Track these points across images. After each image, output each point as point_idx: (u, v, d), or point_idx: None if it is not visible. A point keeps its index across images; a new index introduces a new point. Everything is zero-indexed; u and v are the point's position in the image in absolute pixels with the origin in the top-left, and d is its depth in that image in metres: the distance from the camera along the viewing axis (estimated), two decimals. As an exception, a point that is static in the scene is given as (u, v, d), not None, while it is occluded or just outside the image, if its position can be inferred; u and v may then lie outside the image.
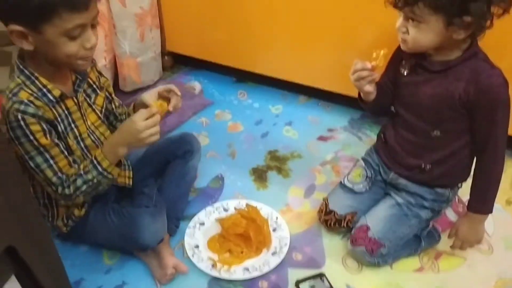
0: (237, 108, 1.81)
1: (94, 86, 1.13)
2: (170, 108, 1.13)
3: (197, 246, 1.23)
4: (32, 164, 1.00)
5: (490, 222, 1.31)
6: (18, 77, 0.98)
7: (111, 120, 1.23)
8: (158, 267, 1.18)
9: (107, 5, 1.62)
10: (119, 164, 1.08)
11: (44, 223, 1.02)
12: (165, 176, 1.32)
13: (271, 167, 1.53)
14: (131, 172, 1.25)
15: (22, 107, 0.95)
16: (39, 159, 0.99)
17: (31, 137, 0.96)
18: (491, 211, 1.10)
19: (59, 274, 0.77)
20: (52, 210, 1.14)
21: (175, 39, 1.93)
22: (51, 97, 0.99)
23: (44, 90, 0.98)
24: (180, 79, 1.98)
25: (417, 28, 0.98)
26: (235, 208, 1.32)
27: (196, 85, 1.94)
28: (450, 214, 1.34)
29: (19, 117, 0.94)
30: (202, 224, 1.29)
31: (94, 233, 1.19)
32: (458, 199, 1.35)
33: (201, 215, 1.31)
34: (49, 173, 1.01)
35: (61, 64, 1.00)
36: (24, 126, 0.95)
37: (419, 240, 1.22)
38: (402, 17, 1.01)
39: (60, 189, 1.03)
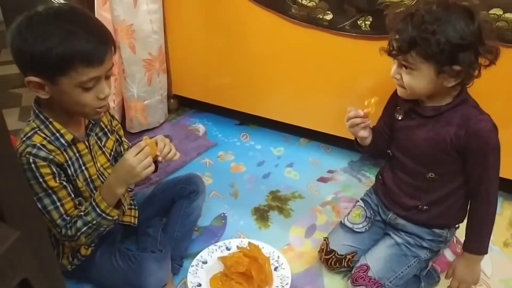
0: (240, 149, 1.86)
1: (106, 129, 1.18)
2: (158, 152, 1.09)
3: (199, 285, 1.25)
4: (39, 205, 1.03)
5: (488, 264, 1.33)
6: (33, 121, 1.04)
7: None
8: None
9: (118, 51, 1.71)
10: (118, 204, 1.10)
11: (55, 258, 1.05)
12: (170, 215, 1.35)
13: (273, 207, 1.56)
14: (137, 212, 1.29)
15: (34, 150, 0.99)
16: (46, 201, 1.03)
17: (41, 180, 1.00)
18: (486, 252, 1.12)
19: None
20: (58, 248, 1.16)
21: (181, 83, 2.01)
22: (63, 141, 1.04)
23: (57, 134, 1.03)
24: (185, 121, 2.05)
25: (410, 75, 1.04)
26: (237, 247, 1.35)
27: (200, 127, 2.00)
28: (448, 254, 1.36)
29: (31, 160, 0.99)
30: (205, 262, 1.31)
31: (98, 274, 1.21)
32: (456, 240, 1.37)
33: (204, 254, 1.33)
34: (55, 215, 1.04)
35: (75, 112, 1.05)
36: (34, 169, 0.99)
37: (419, 281, 1.24)
38: (396, 65, 1.08)
39: (63, 230, 1.06)
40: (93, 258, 1.19)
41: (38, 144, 1.00)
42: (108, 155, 1.19)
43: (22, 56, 0.96)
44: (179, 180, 1.39)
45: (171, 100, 2.06)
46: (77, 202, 1.08)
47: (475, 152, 1.06)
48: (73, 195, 1.07)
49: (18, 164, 0.65)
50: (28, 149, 0.99)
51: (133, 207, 1.29)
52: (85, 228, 1.06)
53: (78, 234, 1.06)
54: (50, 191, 1.02)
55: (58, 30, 0.94)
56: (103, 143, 1.18)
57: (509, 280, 1.30)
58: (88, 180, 1.12)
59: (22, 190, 0.68)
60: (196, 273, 1.28)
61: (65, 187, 1.05)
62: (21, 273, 0.66)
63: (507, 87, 1.39)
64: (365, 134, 1.16)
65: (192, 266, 1.30)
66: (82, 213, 1.06)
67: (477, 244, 1.13)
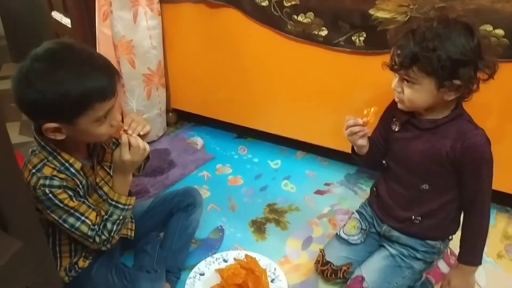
0: (238, 162, 1.89)
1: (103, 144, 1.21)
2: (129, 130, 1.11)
3: (197, 297, 1.26)
4: (67, 226, 1.06)
5: (482, 275, 1.35)
6: (39, 152, 1.05)
7: None
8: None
9: (118, 67, 1.74)
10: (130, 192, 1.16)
11: (56, 268, 1.07)
12: (168, 228, 1.37)
13: (270, 219, 1.58)
14: (134, 225, 1.31)
15: (47, 181, 1.02)
16: (72, 220, 1.06)
17: (61, 205, 1.04)
18: (480, 263, 1.14)
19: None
20: (56, 260, 1.17)
21: (179, 97, 2.04)
22: (73, 171, 1.07)
23: (66, 164, 1.06)
24: (184, 135, 2.07)
25: (412, 88, 1.07)
26: (234, 259, 1.36)
27: (199, 140, 2.03)
28: (442, 266, 1.38)
29: (47, 191, 1.02)
30: (202, 274, 1.33)
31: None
32: (450, 251, 1.39)
33: (201, 266, 1.35)
34: (84, 228, 1.08)
35: (89, 142, 1.10)
36: (53, 198, 1.03)
37: (414, 292, 1.26)
38: (398, 78, 1.10)
39: (97, 239, 1.09)
40: (90, 272, 1.20)
41: (50, 175, 1.03)
42: (107, 168, 1.22)
43: (37, 106, 0.97)
44: (177, 193, 1.41)
45: (170, 114, 2.09)
46: (98, 211, 1.12)
47: (469, 165, 1.09)
48: (92, 206, 1.11)
49: (21, 176, 0.66)
50: (41, 181, 1.01)
51: (130, 220, 1.31)
52: (115, 227, 1.11)
53: (112, 234, 1.11)
54: (72, 210, 1.06)
55: (68, 74, 0.96)
56: (101, 158, 1.20)
57: (503, 291, 1.32)
58: (86, 196, 1.15)
59: (24, 202, 0.70)
60: (193, 285, 1.29)
61: (83, 202, 1.09)
62: (23, 282, 0.68)
63: (497, 101, 1.42)
64: (363, 143, 1.19)
65: (190, 278, 1.31)
66: (107, 216, 1.11)
67: (471, 255, 1.15)
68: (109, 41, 1.72)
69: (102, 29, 1.73)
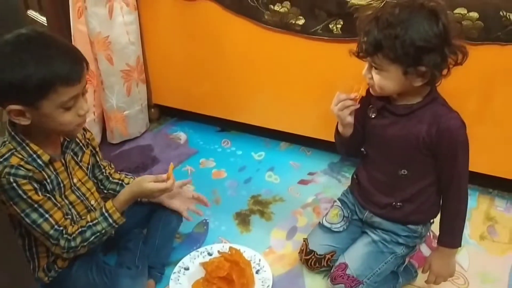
0: (221, 156, 1.88)
1: (81, 144, 1.20)
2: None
3: (182, 291, 1.26)
4: (28, 221, 1.05)
5: (465, 257, 1.36)
6: (9, 143, 1.05)
7: (96, 173, 1.29)
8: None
9: (95, 63, 1.72)
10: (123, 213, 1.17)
11: (29, 270, 1.06)
12: (150, 224, 1.36)
13: (254, 211, 1.58)
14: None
15: (13, 170, 1.01)
16: (34, 215, 1.05)
17: (24, 196, 1.02)
18: (460, 245, 1.15)
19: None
20: (34, 262, 1.16)
21: (160, 92, 2.02)
22: (40, 162, 1.06)
23: (34, 156, 1.05)
24: (166, 130, 2.06)
25: (380, 75, 1.07)
26: (218, 252, 1.36)
27: (182, 135, 2.01)
28: (424, 250, 1.39)
29: (11, 179, 1.01)
30: (187, 269, 1.33)
31: (74, 287, 1.20)
32: (432, 235, 1.40)
33: (185, 260, 1.35)
34: (46, 226, 1.06)
35: (55, 133, 1.08)
36: (16, 187, 1.01)
37: (397, 277, 1.26)
38: (367, 65, 1.10)
39: (62, 242, 1.08)
40: (70, 271, 1.18)
41: (16, 165, 1.02)
42: (85, 169, 1.21)
43: (0, 87, 0.97)
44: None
45: (152, 110, 2.07)
46: (65, 212, 1.10)
47: (445, 149, 1.09)
48: (59, 205, 1.09)
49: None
50: (7, 170, 1.01)
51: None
52: (92, 237, 1.11)
53: (84, 243, 1.10)
54: (36, 205, 1.04)
55: (33, 56, 0.96)
56: (79, 158, 1.19)
57: (485, 273, 1.32)
58: (63, 196, 1.14)
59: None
60: (178, 280, 1.29)
61: (49, 198, 1.07)
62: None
63: (474, 84, 1.42)
64: (351, 120, 1.16)
65: (174, 273, 1.31)
66: (91, 223, 1.11)
67: (451, 237, 1.15)
68: (85, 38, 1.69)
69: (77, 26, 1.71)
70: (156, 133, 2.03)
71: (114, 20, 1.70)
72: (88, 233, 1.10)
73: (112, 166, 1.35)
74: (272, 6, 1.55)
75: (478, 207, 1.56)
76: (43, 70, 0.96)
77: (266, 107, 1.83)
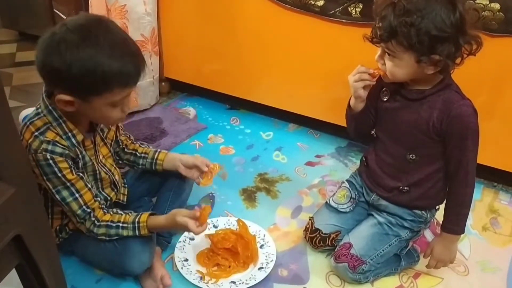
0: (230, 133, 1.89)
1: None
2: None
3: (186, 260, 1.28)
4: (58, 197, 1.07)
5: (466, 246, 1.38)
6: (45, 116, 1.04)
7: (114, 147, 1.29)
8: (148, 278, 1.22)
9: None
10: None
11: (47, 217, 1.08)
12: (160, 193, 1.36)
13: (260, 188, 1.59)
14: (126, 189, 1.31)
15: (50, 147, 1.02)
16: (65, 193, 1.07)
17: (59, 174, 1.04)
18: (463, 232, 1.17)
19: (57, 268, 0.82)
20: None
21: (172, 66, 2.03)
22: (74, 142, 1.06)
23: (69, 134, 1.06)
24: (176, 104, 2.06)
25: (392, 62, 1.07)
26: (224, 225, 1.38)
27: (191, 110, 2.02)
28: (428, 235, 1.41)
29: (48, 156, 1.02)
30: (192, 239, 1.34)
31: (83, 250, 1.22)
32: (436, 222, 1.42)
33: (191, 231, 1.36)
34: (74, 205, 1.08)
35: (93, 121, 1.10)
36: (53, 164, 1.03)
37: (399, 259, 1.28)
38: (380, 50, 1.10)
39: (88, 224, 1.11)
40: (80, 234, 1.19)
41: (53, 140, 1.02)
42: (109, 146, 1.23)
43: (59, 76, 0.96)
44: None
45: (163, 83, 2.07)
46: (94, 193, 1.12)
47: (455, 136, 1.10)
48: (89, 186, 1.11)
49: (12, 123, 0.66)
50: (44, 146, 1.01)
51: (123, 185, 1.31)
52: (114, 236, 1.13)
53: (105, 237, 1.13)
54: (68, 183, 1.06)
55: (99, 53, 0.95)
56: (105, 135, 1.20)
57: (485, 262, 1.34)
58: (92, 173, 1.15)
59: (17, 149, 0.70)
60: (183, 249, 1.31)
61: (81, 178, 1.09)
62: (15, 228, 0.68)
63: (490, 75, 1.43)
64: (363, 95, 1.17)
65: (180, 242, 1.33)
66: (121, 224, 1.12)
67: (455, 224, 1.17)
68: (102, 5, 1.69)
69: (95, -7, 1.70)
70: (166, 107, 2.04)
71: (132, -11, 1.70)
72: (113, 231, 1.12)
73: (131, 138, 1.35)
74: (292, -15, 1.55)
75: (482, 199, 1.58)
76: (106, 70, 0.95)
77: (276, 87, 1.83)
